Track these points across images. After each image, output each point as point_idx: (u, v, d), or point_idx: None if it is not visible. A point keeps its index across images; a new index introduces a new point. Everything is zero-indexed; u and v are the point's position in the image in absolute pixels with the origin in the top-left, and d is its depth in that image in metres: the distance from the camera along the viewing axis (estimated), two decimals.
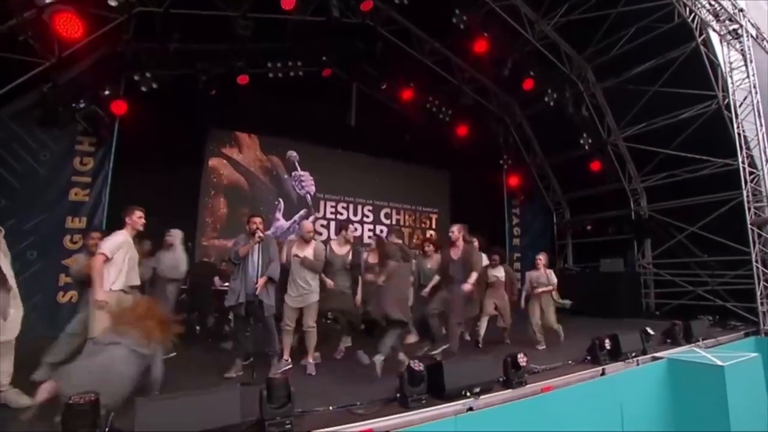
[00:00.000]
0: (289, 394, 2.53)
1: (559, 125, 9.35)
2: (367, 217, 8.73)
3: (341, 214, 8.44)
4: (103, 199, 6.10)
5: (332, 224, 8.26)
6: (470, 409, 3.07)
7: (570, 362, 4.26)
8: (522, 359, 3.44)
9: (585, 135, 8.18)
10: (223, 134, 7.55)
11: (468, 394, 3.12)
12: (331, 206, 8.38)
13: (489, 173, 10.13)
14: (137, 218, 3.71)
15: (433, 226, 9.57)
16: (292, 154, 8.06)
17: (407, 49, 8.49)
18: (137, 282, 3.68)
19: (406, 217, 9.29)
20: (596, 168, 8.53)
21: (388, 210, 9.05)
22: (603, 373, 4.04)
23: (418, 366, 2.99)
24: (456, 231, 4.61)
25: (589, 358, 4.30)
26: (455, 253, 4.53)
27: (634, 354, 4.40)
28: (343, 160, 8.62)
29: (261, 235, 3.95)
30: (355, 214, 8.61)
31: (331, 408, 2.84)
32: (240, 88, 6.94)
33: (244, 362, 3.97)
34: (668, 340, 5.21)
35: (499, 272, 5.45)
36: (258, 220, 4.09)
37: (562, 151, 9.90)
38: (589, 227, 9.88)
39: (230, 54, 6.63)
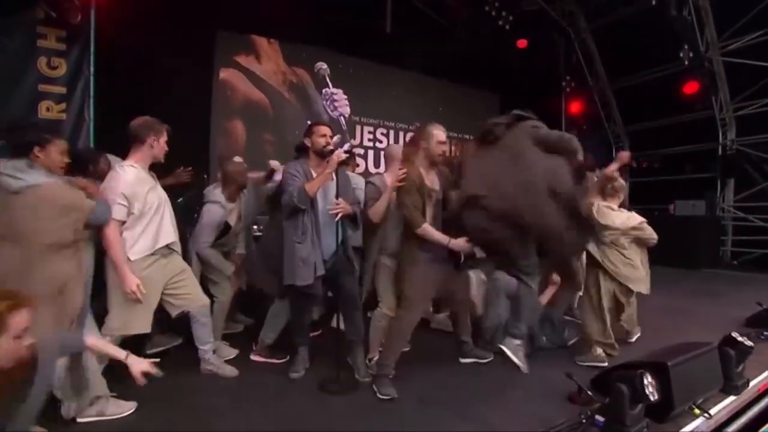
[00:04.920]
0: None
1: (626, 43, 7.77)
2: None
3: (380, 141, 7.00)
4: (86, 117, 4.56)
5: (371, 153, 6.88)
6: None
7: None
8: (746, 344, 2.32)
9: (686, 47, 6.57)
10: (235, 39, 5.83)
11: (695, 410, 2.02)
12: (369, 132, 6.92)
13: (545, 98, 8.57)
14: (162, 141, 2.35)
15: None
16: (322, 66, 6.20)
17: None
18: (172, 238, 2.39)
19: (452, 147, 7.87)
20: (692, 90, 7.02)
21: None
22: None
23: (647, 379, 1.81)
24: None
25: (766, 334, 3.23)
26: None
27: None
28: (381, 77, 7.01)
29: (341, 153, 2.45)
30: (397, 143, 7.17)
31: None
32: None
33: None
34: None
35: None
36: (328, 130, 2.63)
37: (628, 74, 8.36)
38: (647, 165, 8.63)
39: None
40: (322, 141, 2.55)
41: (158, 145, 2.35)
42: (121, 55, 4.71)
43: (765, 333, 3.23)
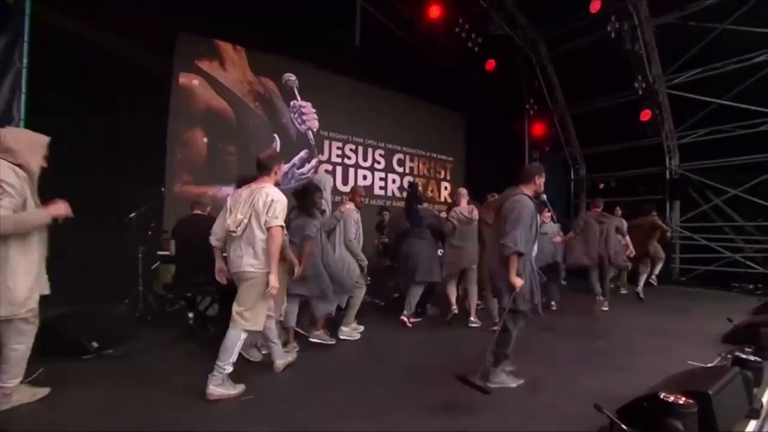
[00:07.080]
0: None
1: (584, 71, 8.25)
2: (378, 163, 7.11)
3: (349, 157, 6.73)
4: (15, 115, 3.90)
5: (338, 169, 6.58)
6: None
7: None
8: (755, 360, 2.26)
9: (640, 78, 7.03)
10: (197, 41, 5.38)
11: None
12: (338, 147, 6.63)
13: (509, 119, 8.83)
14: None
15: (448, 177, 8.19)
16: (291, 77, 6.09)
17: None
18: None
19: (420, 165, 7.79)
20: (646, 118, 7.50)
21: (401, 156, 7.47)
22: None
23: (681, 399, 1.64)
24: None
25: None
26: None
27: None
28: (350, 92, 6.81)
29: None
30: (365, 159, 6.95)
31: None
32: None
33: None
34: None
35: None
36: None
37: (584, 100, 8.86)
38: (600, 185, 9.11)
39: None
40: (543, 187, 2.75)
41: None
42: (63, 47, 4.14)
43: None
